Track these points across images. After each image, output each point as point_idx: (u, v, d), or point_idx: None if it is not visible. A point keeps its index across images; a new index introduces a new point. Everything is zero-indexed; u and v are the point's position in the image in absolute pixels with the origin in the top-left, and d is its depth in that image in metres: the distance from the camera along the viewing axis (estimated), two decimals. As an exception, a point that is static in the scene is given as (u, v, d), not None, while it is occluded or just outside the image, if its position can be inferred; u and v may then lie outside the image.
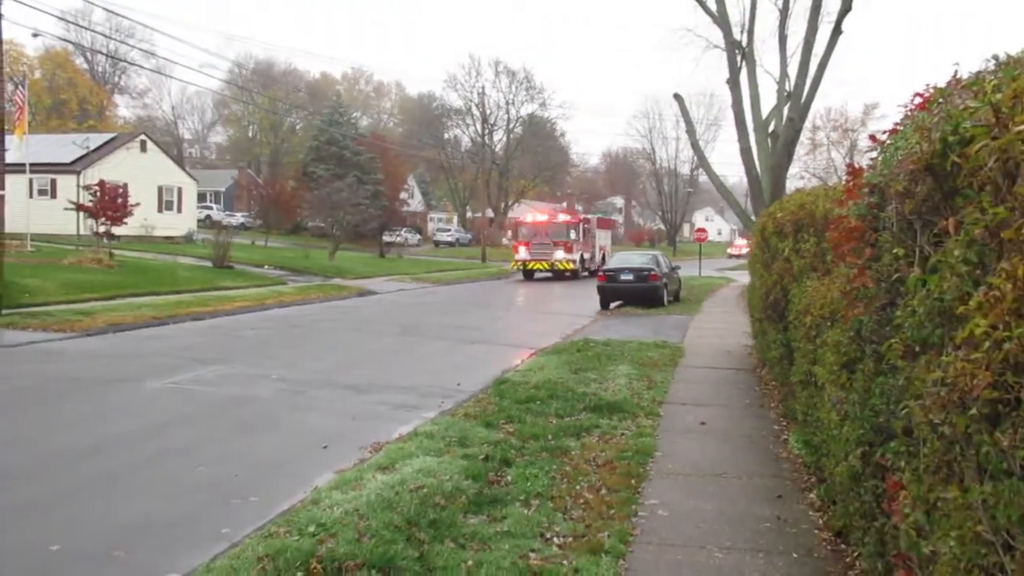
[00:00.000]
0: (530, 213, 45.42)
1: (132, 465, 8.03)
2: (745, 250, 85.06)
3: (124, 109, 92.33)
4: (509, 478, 7.25)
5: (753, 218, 27.19)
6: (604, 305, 25.84)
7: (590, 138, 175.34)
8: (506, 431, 8.91)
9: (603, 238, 48.99)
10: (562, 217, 43.62)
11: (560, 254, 41.11)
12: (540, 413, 9.75)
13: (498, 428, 9.01)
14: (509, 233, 44.19)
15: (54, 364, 14.18)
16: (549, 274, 41.89)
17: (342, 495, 6.67)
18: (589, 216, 49.06)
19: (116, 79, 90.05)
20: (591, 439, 8.76)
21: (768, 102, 27.06)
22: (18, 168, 32.42)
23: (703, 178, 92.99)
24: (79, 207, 31.58)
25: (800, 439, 8.14)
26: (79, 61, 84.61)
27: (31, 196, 37.85)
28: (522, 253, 41.75)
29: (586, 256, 44.02)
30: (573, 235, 41.95)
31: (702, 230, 50.42)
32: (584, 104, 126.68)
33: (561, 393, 10.86)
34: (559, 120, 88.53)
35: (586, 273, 43.16)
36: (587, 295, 29.45)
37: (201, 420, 10.04)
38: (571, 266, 41.17)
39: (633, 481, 7.26)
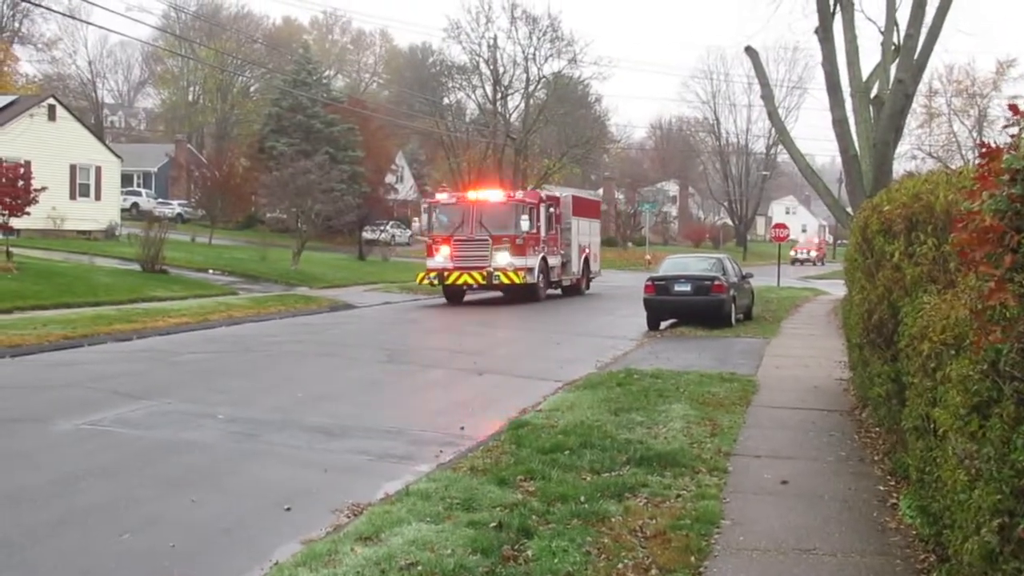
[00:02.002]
0: (455, 193, 37.95)
1: (34, 531, 8.05)
2: (813, 252, 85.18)
3: (27, 64, 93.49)
4: (530, 553, 7.23)
5: (849, 211, 27.15)
6: (652, 324, 25.81)
7: (634, 105, 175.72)
8: (525, 490, 8.89)
9: (585, 232, 41.21)
10: (507, 195, 35.68)
11: (504, 258, 33.10)
12: (570, 467, 9.73)
13: (515, 486, 9.00)
14: (416, 223, 37.94)
15: (-66, 397, 14.26)
16: (496, 292, 35.03)
17: (311, 573, 6.67)
18: (558, 195, 41.07)
19: (16, 25, 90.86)
20: (637, 502, 8.73)
21: (870, 58, 27.00)
22: None
23: (783, 157, 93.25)
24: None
25: (914, 504, 8.08)
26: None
27: (-95, 177, 38.16)
28: (440, 257, 33.77)
29: (553, 261, 36.86)
30: (526, 225, 33.82)
31: (781, 226, 50.36)
32: (626, 60, 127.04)
33: (597, 440, 10.83)
34: (594, 81, 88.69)
35: (557, 290, 37.95)
36: (614, 311, 29.51)
37: (126, 472, 10.07)
38: (522, 278, 33.07)
39: (692, 559, 7.22)
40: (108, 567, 7.30)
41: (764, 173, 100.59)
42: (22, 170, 33.59)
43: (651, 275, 27.49)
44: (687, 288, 25.52)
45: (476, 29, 79.56)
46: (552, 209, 37.20)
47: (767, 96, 30.79)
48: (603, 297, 38.88)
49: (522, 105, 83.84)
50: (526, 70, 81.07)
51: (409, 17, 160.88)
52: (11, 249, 31.40)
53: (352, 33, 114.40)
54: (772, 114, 31.29)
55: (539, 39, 79.81)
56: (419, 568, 6.75)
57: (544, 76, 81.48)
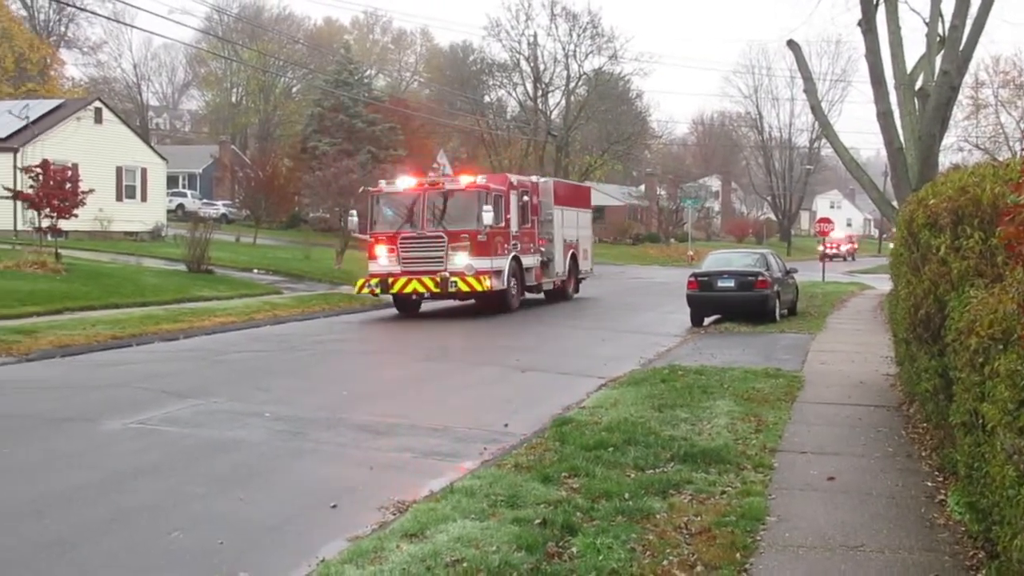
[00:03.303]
0: (403, 178, 30.17)
1: (86, 529, 8.17)
2: (845, 247, 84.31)
3: (73, 68, 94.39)
4: (574, 550, 7.24)
5: (895, 204, 26.92)
6: (696, 320, 25.72)
7: (675, 101, 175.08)
8: (570, 487, 8.91)
9: (571, 224, 34.93)
10: (467, 180, 28.50)
11: (462, 260, 27.02)
12: (614, 464, 9.73)
13: (559, 483, 9.02)
14: (352, 219, 32.72)
15: (-13, 397, 14.51)
16: (453, 300, 29.48)
17: (357, 570, 6.73)
18: (536, 180, 33.44)
19: (63, 29, 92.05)
20: (681, 498, 8.72)
21: (915, 50, 26.75)
22: (-60, 146, 33.33)
23: (827, 151, 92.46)
24: (16, 195, 32.31)
25: (962, 501, 8.01)
26: (14, 7, 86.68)
27: (-44, 181, 38.79)
28: (383, 260, 27.81)
29: (529, 261, 30.50)
30: (489, 218, 27.16)
31: (826, 220, 49.96)
32: (667, 56, 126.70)
33: (641, 437, 10.82)
34: (634, 77, 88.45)
35: (539, 294, 32.52)
36: (660, 306, 29.47)
37: (174, 470, 10.19)
38: (485, 283, 26.84)
39: (738, 556, 7.20)
40: (158, 565, 7.40)
41: (808, 167, 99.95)
42: (70, 173, 33.99)
43: (694, 271, 27.40)
44: (731, 284, 25.41)
45: (516, 27, 79.80)
46: (527, 197, 30.75)
47: (810, 90, 30.56)
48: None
49: (563, 102, 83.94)
50: (566, 67, 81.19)
51: (449, 16, 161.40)
52: (60, 251, 31.81)
53: (393, 32, 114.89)
54: (815, 108, 31.07)
55: (579, 36, 79.86)
56: (464, 565, 6.78)
57: (585, 73, 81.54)
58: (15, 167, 37.92)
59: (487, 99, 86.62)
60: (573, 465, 9.59)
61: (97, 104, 50.46)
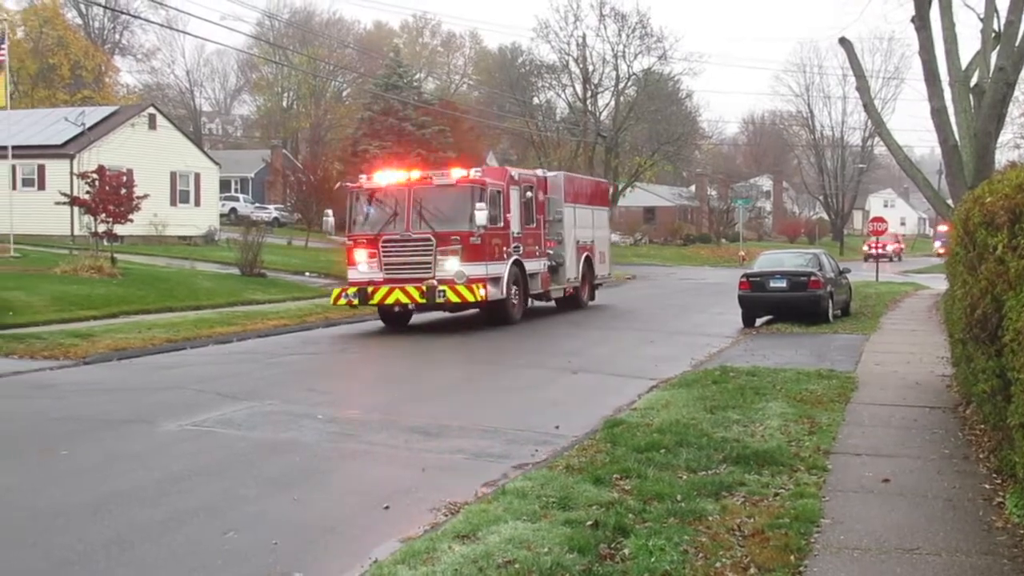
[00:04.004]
0: (386, 172, 26.65)
1: (144, 529, 8.29)
2: (891, 247, 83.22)
3: (128, 75, 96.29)
4: (627, 551, 7.24)
5: (950, 203, 26.57)
6: (748, 321, 25.57)
7: (725, 100, 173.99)
8: (621, 489, 8.90)
9: (585, 224, 31.61)
10: (459, 174, 24.93)
11: (452, 265, 23.64)
12: (666, 465, 9.71)
13: (611, 485, 9.01)
14: (327, 219, 27.49)
15: (44, 400, 14.78)
16: (443, 312, 26.23)
17: (410, 571, 6.77)
18: (543, 174, 30.14)
19: (117, 37, 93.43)
20: (734, 500, 8.69)
21: (970, 46, 26.46)
22: (-1, 152, 33.97)
23: (880, 150, 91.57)
24: (73, 201, 32.83)
25: (1021, 503, 7.91)
26: (71, 15, 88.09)
27: (14, 187, 39.57)
28: (363, 267, 24.44)
29: (534, 266, 27.18)
30: (483, 217, 23.51)
31: (879, 219, 49.42)
32: (717, 56, 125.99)
33: (693, 439, 10.79)
34: (684, 77, 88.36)
35: (550, 302, 29.44)
36: (711, 307, 29.48)
37: (230, 471, 10.31)
38: (479, 293, 23.48)
39: (792, 558, 7.16)
40: (214, 564, 7.49)
41: (860, 166, 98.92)
42: (125, 178, 34.51)
43: (746, 271, 27.25)
44: (783, 284, 25.24)
45: (565, 28, 79.54)
46: (531, 193, 27.53)
47: (862, 87, 30.25)
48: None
49: (612, 103, 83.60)
50: (615, 68, 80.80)
51: (498, 18, 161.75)
52: (115, 255, 32.28)
53: (442, 35, 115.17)
54: (868, 106, 30.75)
55: (628, 36, 79.46)
56: (516, 566, 6.81)
57: (634, 73, 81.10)
58: (72, 173, 38.44)
59: (536, 101, 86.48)
60: (625, 467, 9.58)
61: (151, 110, 51.11)
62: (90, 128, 45.28)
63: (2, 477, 10.13)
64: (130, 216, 32.41)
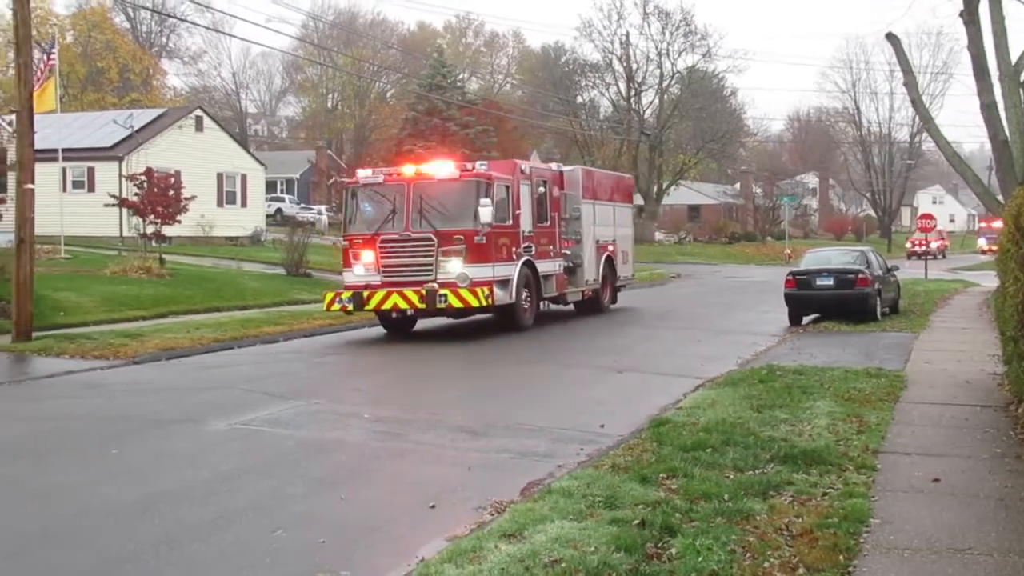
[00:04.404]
0: (382, 168, 25.77)
1: (193, 528, 8.38)
2: (935, 244, 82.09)
3: (174, 77, 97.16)
4: (673, 551, 7.21)
5: (1000, 199, 26.23)
6: (794, 319, 25.39)
7: (770, 97, 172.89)
8: (668, 488, 8.87)
9: (606, 222, 29.83)
10: (461, 168, 23.11)
11: (455, 267, 21.88)
12: (712, 465, 9.67)
13: (657, 484, 8.99)
14: (321, 217, 25.10)
15: (95, 400, 14.98)
16: (449, 317, 24.29)
17: (456, 570, 6.79)
18: (557, 168, 28.10)
19: (164, 40, 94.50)
20: (782, 500, 8.63)
21: (1020, 40, 26.01)
22: (49, 155, 34.37)
23: (928, 145, 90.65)
24: (122, 202, 33.21)
25: (1075, 503, 7.79)
26: (119, 19, 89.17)
27: (64, 189, 40.06)
28: (360, 268, 22.71)
29: (548, 267, 25.30)
30: (488, 215, 21.85)
31: (927, 216, 48.85)
32: (762, 52, 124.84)
33: (740, 438, 10.73)
34: (728, 74, 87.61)
35: (568, 305, 27.98)
36: (756, 305, 29.17)
37: (277, 470, 10.40)
38: (484, 297, 21.55)
39: (841, 558, 7.10)
40: (263, 563, 7.55)
41: (908, 162, 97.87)
42: (172, 180, 34.89)
43: (792, 269, 27.07)
44: (830, 282, 25.04)
45: (608, 27, 79.58)
46: (544, 189, 25.67)
47: (910, 83, 29.94)
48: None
49: (656, 101, 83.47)
50: (659, 65, 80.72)
51: (541, 18, 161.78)
52: (163, 256, 32.63)
53: (485, 35, 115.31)
54: (916, 101, 30.42)
55: (672, 34, 79.34)
56: (563, 565, 6.80)
57: (678, 71, 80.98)
58: (120, 175, 38.89)
59: (580, 99, 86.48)
60: (671, 466, 9.55)
61: (198, 112, 51.62)
62: (138, 130, 45.79)
63: (56, 475, 10.27)
64: (178, 217, 32.75)
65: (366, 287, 22.18)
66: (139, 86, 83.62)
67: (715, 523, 7.85)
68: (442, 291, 21.37)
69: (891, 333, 22.73)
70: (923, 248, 54.87)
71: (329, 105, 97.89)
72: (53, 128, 36.64)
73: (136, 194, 32.45)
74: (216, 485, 9.77)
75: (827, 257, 27.57)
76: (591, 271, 28.18)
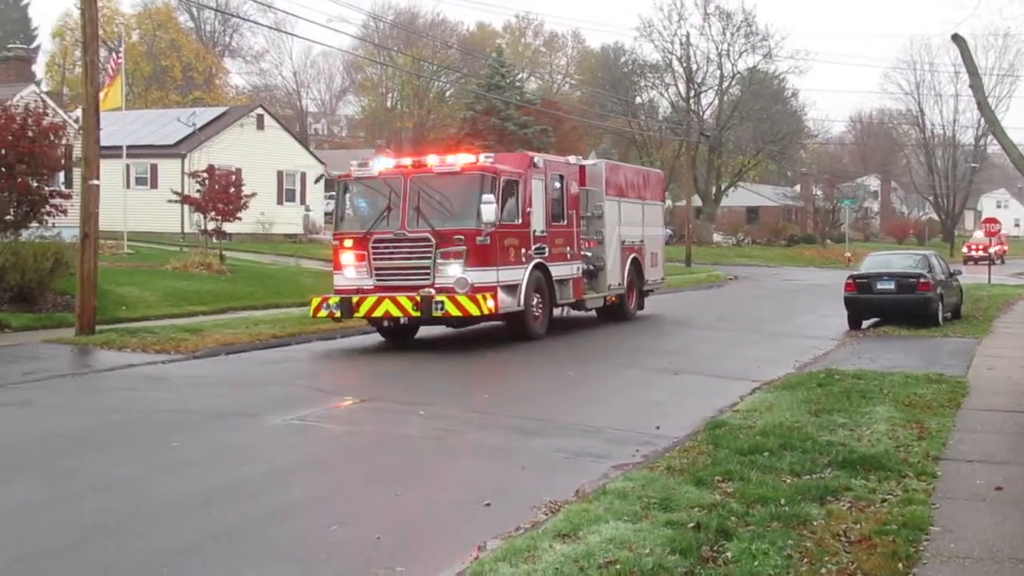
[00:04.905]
0: (379, 158, 24.32)
1: (251, 521, 8.47)
2: (995, 248, 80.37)
3: (237, 76, 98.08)
4: (729, 554, 7.16)
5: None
6: (854, 323, 25.12)
7: (832, 99, 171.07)
8: (724, 491, 8.82)
9: (632, 221, 27.24)
10: (464, 160, 20.84)
11: (455, 271, 19.67)
12: (769, 468, 9.59)
13: (713, 487, 8.93)
14: (308, 213, 23.06)
15: (156, 393, 15.22)
16: (448, 327, 21.94)
17: (511, 568, 6.79)
18: (575, 161, 25.21)
19: (227, 40, 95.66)
20: (840, 505, 8.54)
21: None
22: (113, 152, 34.90)
23: (993, 148, 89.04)
24: (184, 199, 33.66)
25: None
26: (183, 19, 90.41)
27: (128, 186, 40.67)
28: (351, 269, 20.52)
29: (563, 270, 22.79)
30: (492, 213, 19.55)
31: (991, 220, 48.14)
32: (824, 53, 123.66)
33: (797, 442, 10.64)
34: (789, 75, 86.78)
35: (590, 312, 25.49)
36: (815, 309, 28.86)
37: (333, 465, 10.50)
38: (485, 305, 19.26)
39: (900, 566, 7.01)
40: (319, 557, 7.61)
41: (973, 165, 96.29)
42: (233, 177, 35.29)
43: (852, 273, 26.81)
44: (891, 286, 24.74)
45: (668, 27, 79.14)
46: (560, 184, 23.15)
47: (976, 85, 29.35)
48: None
49: (716, 102, 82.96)
50: (720, 66, 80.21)
51: (601, 18, 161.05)
52: (224, 252, 33.01)
53: (544, 35, 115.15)
54: (982, 104, 29.80)
55: (733, 34, 78.81)
56: (618, 567, 6.78)
57: (738, 72, 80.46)
58: (183, 172, 39.44)
59: (639, 100, 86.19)
60: (727, 469, 9.49)
61: (259, 111, 52.18)
62: (201, 128, 46.39)
63: (119, 468, 10.43)
64: (238, 214, 33.12)
65: (357, 292, 19.98)
66: (202, 84, 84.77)
67: (771, 527, 7.79)
68: (439, 298, 19.17)
69: (953, 338, 22.42)
70: (980, 252, 53.72)
71: (388, 104, 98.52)
72: (118, 125, 37.25)
73: (198, 191, 32.89)
74: (273, 479, 9.88)
75: (888, 261, 27.27)
76: (615, 275, 25.80)
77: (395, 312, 19.56)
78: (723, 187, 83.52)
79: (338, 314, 20.04)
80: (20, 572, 7.29)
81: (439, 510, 8.94)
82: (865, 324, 25.17)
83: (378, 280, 20.10)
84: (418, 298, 19.15)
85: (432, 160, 20.85)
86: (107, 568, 7.33)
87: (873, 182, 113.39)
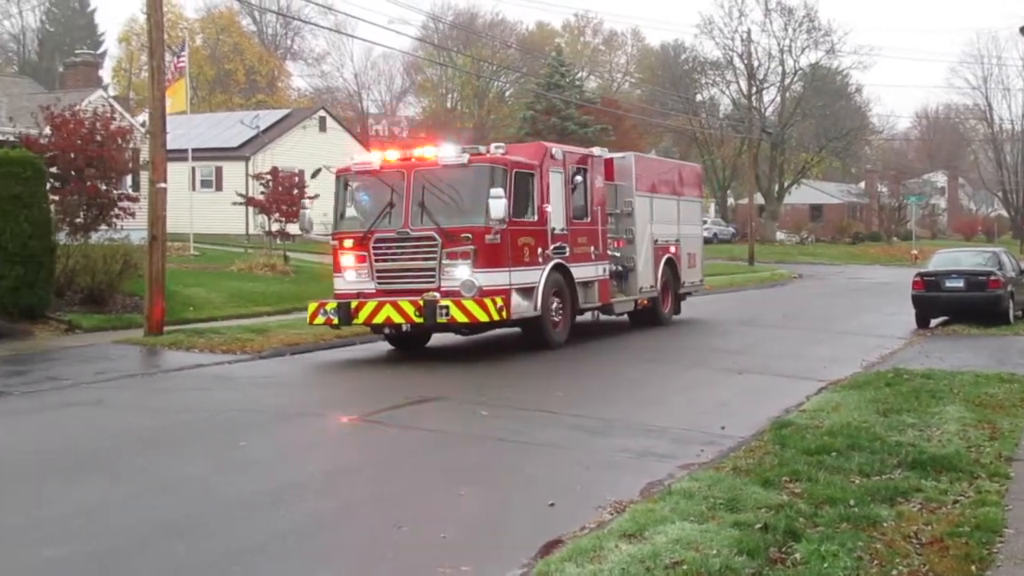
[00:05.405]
0: (377, 152, 21.22)
1: (318, 519, 8.54)
2: None
3: (298, 79, 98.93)
4: (798, 556, 7.09)
5: None
6: (922, 322, 24.79)
7: (896, 94, 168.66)
8: (791, 492, 8.73)
9: (666, 219, 25.45)
10: (472, 151, 19.14)
11: (463, 273, 18.07)
12: (837, 469, 9.48)
13: (780, 488, 8.85)
14: (305, 212, 22.36)
15: (223, 392, 15.42)
16: (457, 334, 20.27)
17: (577, 569, 6.78)
18: (599, 154, 22.94)
19: (289, 43, 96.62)
20: (910, 507, 8.42)
21: None
22: (179, 155, 35.41)
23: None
24: (248, 201, 34.07)
25: None
26: (245, 23, 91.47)
27: (193, 188, 41.27)
28: (351, 272, 19.11)
29: (586, 272, 21.09)
30: (501, 209, 17.68)
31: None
32: (888, 48, 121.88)
33: (865, 442, 10.50)
34: (853, 71, 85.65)
35: (621, 316, 23.82)
36: (881, 307, 28.44)
37: (398, 465, 10.55)
38: (493, 310, 17.74)
39: (973, 568, 6.90)
40: (385, 555, 7.67)
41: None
42: (296, 179, 35.63)
43: (920, 270, 26.47)
44: (960, 284, 24.38)
45: (729, 24, 78.74)
46: (581, 178, 21.35)
47: (1046, 78, 28.84)
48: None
49: (778, 98, 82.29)
50: (781, 63, 79.62)
51: (660, 15, 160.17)
52: (287, 253, 33.37)
53: (604, 34, 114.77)
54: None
55: (795, 30, 78.20)
56: (684, 567, 6.74)
57: (800, 68, 79.78)
58: (247, 174, 39.93)
59: (699, 98, 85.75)
60: (794, 469, 9.39)
61: (321, 113, 52.74)
62: (264, 131, 46.98)
63: (188, 466, 10.57)
64: (302, 216, 33.39)
65: (357, 296, 18.54)
66: (265, 87, 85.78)
67: (840, 529, 7.69)
68: (443, 302, 17.58)
69: (1024, 337, 22.05)
70: None
71: (448, 105, 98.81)
72: (183, 129, 37.84)
73: (262, 193, 33.32)
74: (339, 478, 9.97)
75: (957, 258, 26.87)
76: (647, 276, 24.00)
77: (397, 318, 18.00)
78: (786, 185, 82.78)
79: (336, 320, 18.65)
80: (95, 567, 7.42)
81: (504, 509, 8.95)
82: (933, 323, 24.87)
83: (380, 283, 18.68)
84: (421, 303, 17.65)
85: (436, 152, 19.10)
86: (178, 566, 7.43)
87: (940, 178, 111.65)
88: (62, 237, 23.99)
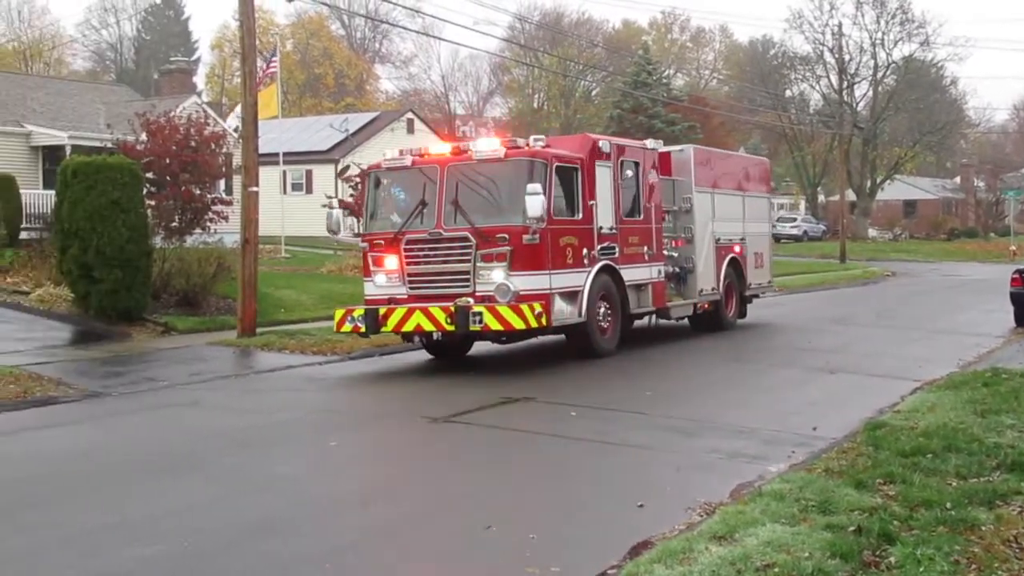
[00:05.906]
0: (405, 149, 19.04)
1: (408, 518, 8.63)
2: None
3: (386, 81, 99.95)
4: (892, 560, 6.96)
5: None
6: (1021, 320, 24.13)
7: (994, 86, 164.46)
8: (885, 494, 8.57)
9: (730, 216, 23.83)
10: (503, 148, 17.48)
11: (498, 276, 16.69)
12: (933, 471, 9.28)
13: (874, 490, 8.69)
14: (333, 213, 19.56)
15: (314, 393, 15.66)
16: (493, 342, 19.06)
17: (666, 570, 6.74)
18: (653, 146, 21.19)
19: (377, 46, 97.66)
20: (1009, 510, 8.20)
21: None
22: (271, 159, 36.04)
23: None
24: (339, 204, 34.42)
25: None
26: (334, 27, 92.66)
27: (284, 191, 41.96)
28: (381, 276, 17.85)
29: (639, 274, 19.72)
30: (539, 207, 16.26)
31: None
32: (985, 39, 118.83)
33: (963, 444, 10.27)
34: (948, 63, 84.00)
35: (681, 319, 22.53)
36: (976, 305, 27.67)
37: (487, 464, 10.59)
38: (531, 316, 16.20)
39: (1076, 573, 6.72)
40: (473, 555, 7.72)
41: None
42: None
43: (1018, 267, 25.78)
44: (1060, 280, 23.71)
45: (819, 17, 77.68)
46: (633, 172, 19.95)
47: None
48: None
49: (870, 93, 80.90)
50: (873, 56, 78.23)
51: (748, 11, 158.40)
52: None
53: (691, 31, 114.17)
54: None
55: (887, 23, 76.77)
56: (776, 570, 6.66)
57: (893, 61, 78.28)
58: (336, 177, 40.39)
59: (789, 93, 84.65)
60: (888, 471, 9.21)
61: (409, 115, 53.24)
62: (353, 134, 47.56)
63: (282, 466, 10.73)
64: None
65: (389, 301, 17.35)
66: (353, 91, 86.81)
67: (937, 532, 7.54)
68: (476, 308, 16.19)
69: None
70: None
71: (535, 105, 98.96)
72: (275, 133, 38.46)
73: (351, 195, 33.60)
74: (429, 477, 10.05)
75: (1057, 254, 26.14)
76: (708, 278, 22.40)
77: (427, 326, 16.68)
78: (878, 180, 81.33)
79: (363, 328, 17.34)
80: (190, 565, 7.58)
81: (592, 510, 8.93)
82: (1033, 321, 24.22)
83: (412, 288, 17.43)
84: (452, 309, 16.32)
85: (472, 146, 17.89)
86: (271, 563, 7.55)
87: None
88: (158, 241, 24.57)
